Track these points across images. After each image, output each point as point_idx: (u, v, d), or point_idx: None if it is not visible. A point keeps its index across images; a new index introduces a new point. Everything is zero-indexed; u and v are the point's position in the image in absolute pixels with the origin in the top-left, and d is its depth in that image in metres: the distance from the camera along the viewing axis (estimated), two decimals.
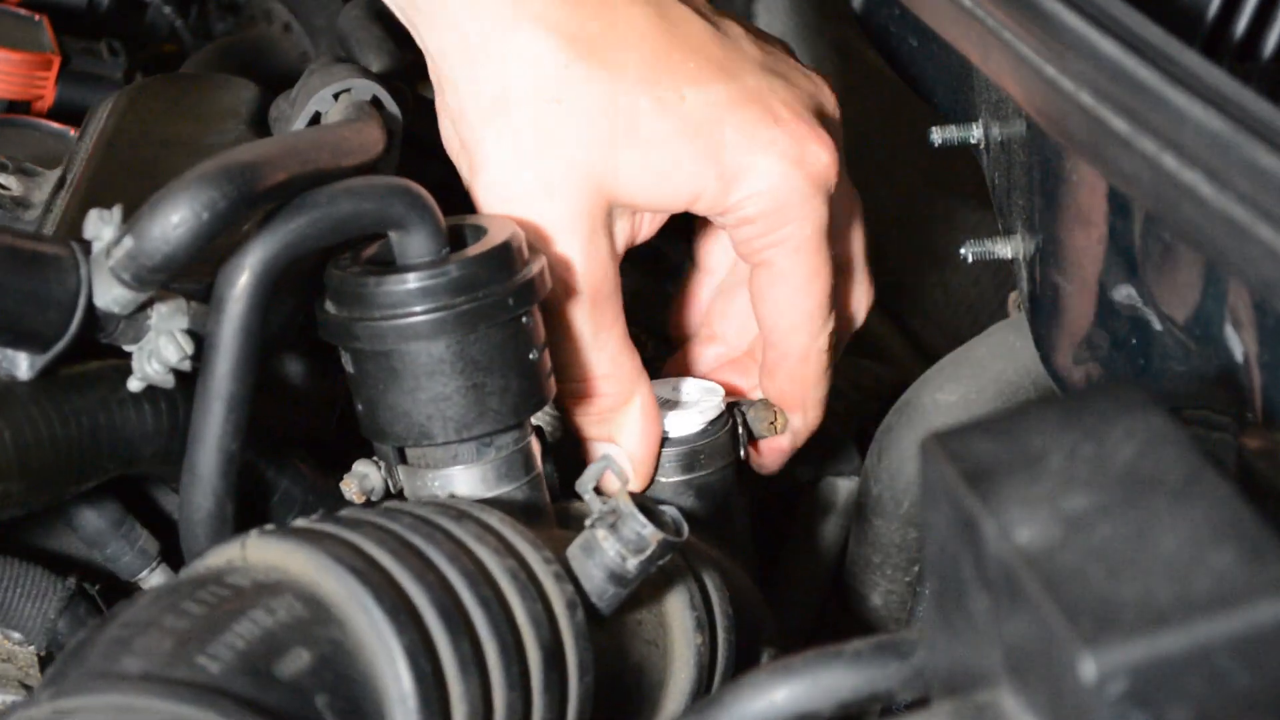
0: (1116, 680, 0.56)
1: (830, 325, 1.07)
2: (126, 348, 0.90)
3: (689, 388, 1.09)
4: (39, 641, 1.01)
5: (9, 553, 1.00)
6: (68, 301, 0.87)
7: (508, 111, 0.98)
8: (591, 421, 1.04)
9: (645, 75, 0.98)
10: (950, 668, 0.67)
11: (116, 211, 0.88)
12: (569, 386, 1.03)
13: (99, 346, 1.00)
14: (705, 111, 0.99)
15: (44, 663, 1.03)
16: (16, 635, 1.01)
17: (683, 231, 1.15)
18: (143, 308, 0.90)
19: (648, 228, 1.04)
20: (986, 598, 0.62)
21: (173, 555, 1.01)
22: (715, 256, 1.13)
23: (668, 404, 1.07)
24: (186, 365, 0.90)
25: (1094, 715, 0.57)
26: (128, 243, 0.86)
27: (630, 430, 1.04)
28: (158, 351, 0.90)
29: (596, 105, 0.98)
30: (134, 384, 0.90)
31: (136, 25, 1.54)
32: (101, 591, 1.02)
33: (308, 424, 1.06)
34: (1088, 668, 0.56)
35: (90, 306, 0.88)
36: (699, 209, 1.01)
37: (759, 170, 0.99)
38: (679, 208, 1.02)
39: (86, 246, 0.88)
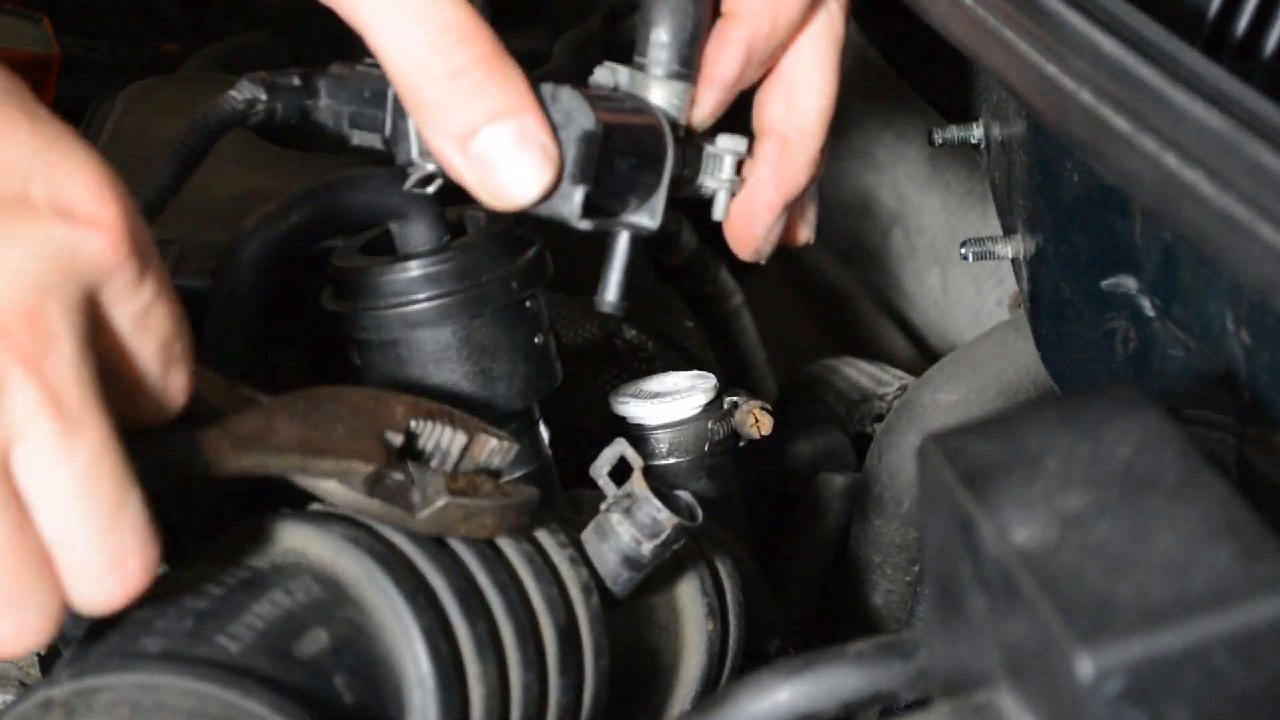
0: (1113, 679, 0.56)
1: None
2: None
3: (684, 378, 1.08)
4: None
5: None
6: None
7: None
8: None
9: None
10: (949, 668, 0.67)
11: None
12: None
13: None
14: None
15: (44, 662, 1.03)
16: None
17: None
18: None
19: None
20: (984, 598, 0.62)
21: (172, 557, 1.01)
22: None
23: (661, 395, 1.07)
24: None
25: (1091, 714, 0.57)
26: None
27: None
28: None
29: None
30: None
31: (136, 25, 1.55)
32: None
33: None
34: (1084, 667, 0.56)
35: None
36: None
37: None
38: None
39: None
